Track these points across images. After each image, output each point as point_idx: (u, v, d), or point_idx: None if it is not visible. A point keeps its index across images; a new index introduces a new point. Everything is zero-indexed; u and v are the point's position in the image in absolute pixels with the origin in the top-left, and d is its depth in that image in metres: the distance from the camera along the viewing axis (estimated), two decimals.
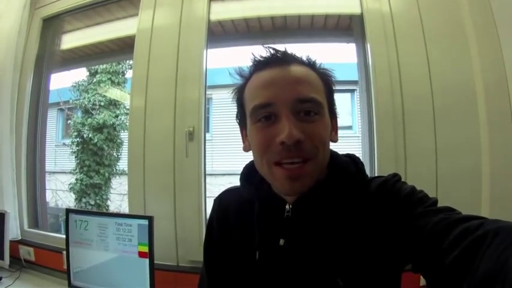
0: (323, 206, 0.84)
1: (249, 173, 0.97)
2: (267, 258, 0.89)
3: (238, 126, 0.97)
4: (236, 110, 0.95)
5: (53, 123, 8.99)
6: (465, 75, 1.83)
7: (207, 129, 2.24)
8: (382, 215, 0.79)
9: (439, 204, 0.76)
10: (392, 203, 0.79)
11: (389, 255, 0.78)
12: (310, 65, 0.87)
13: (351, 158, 0.93)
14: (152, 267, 1.75)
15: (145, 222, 1.76)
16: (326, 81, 0.88)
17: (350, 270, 0.80)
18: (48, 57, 2.85)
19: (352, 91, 7.63)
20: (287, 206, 0.88)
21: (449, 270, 0.60)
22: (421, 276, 1.62)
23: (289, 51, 0.87)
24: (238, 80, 0.92)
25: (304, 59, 0.87)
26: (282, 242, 0.87)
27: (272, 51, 0.85)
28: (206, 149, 2.17)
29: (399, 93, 1.89)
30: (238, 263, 0.95)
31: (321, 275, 0.81)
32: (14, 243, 2.46)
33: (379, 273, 0.81)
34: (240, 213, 0.99)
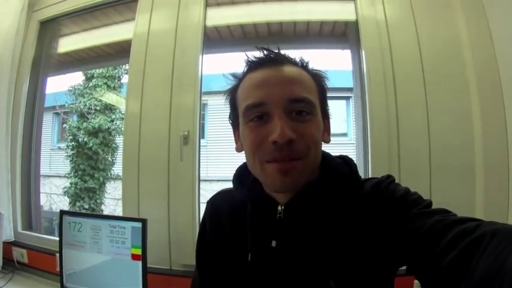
0: (315, 207, 0.84)
1: (241, 174, 0.98)
2: (259, 260, 0.88)
3: (229, 126, 0.97)
4: (230, 112, 0.95)
5: (49, 126, 8.98)
6: (460, 79, 1.86)
7: (202, 135, 2.25)
8: (376, 216, 0.79)
9: (433, 207, 0.76)
10: (386, 204, 0.79)
11: (383, 257, 0.78)
12: (303, 66, 0.88)
13: (344, 160, 0.93)
14: (145, 270, 1.74)
15: (138, 224, 1.76)
16: (319, 82, 0.88)
17: (342, 271, 0.80)
18: (45, 60, 2.85)
19: (347, 98, 7.66)
20: (279, 207, 0.88)
21: (446, 272, 0.60)
22: (415, 281, 1.65)
23: (282, 52, 0.87)
24: (232, 82, 0.92)
25: (297, 60, 0.88)
26: (274, 243, 0.87)
27: (265, 52, 0.85)
28: (201, 155, 2.17)
29: (394, 99, 1.90)
30: (230, 265, 0.95)
31: (313, 277, 0.81)
32: (7, 245, 2.45)
33: (372, 275, 0.80)
34: (232, 214, 0.99)
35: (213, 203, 1.09)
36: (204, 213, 1.10)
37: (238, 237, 0.94)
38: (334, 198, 0.85)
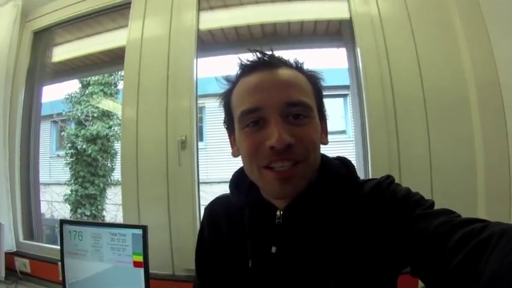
0: (315, 211, 0.83)
1: (238, 179, 0.96)
2: (260, 266, 0.87)
3: (225, 131, 0.95)
4: (224, 116, 0.93)
5: (47, 135, 8.98)
6: (456, 73, 1.85)
7: (200, 137, 2.25)
8: (377, 217, 0.77)
9: (436, 206, 0.75)
10: (388, 205, 0.77)
11: (385, 259, 0.76)
12: (298, 67, 0.86)
13: (342, 161, 0.91)
14: (147, 276, 1.74)
15: (139, 231, 1.75)
16: (315, 84, 0.87)
17: (344, 275, 0.78)
18: (40, 70, 2.86)
19: (344, 96, 7.68)
20: (278, 213, 0.87)
21: (454, 273, 0.59)
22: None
23: (276, 55, 0.86)
24: (225, 86, 0.90)
25: (292, 62, 0.86)
26: (274, 249, 0.85)
27: (259, 55, 0.84)
28: (200, 158, 2.18)
29: (391, 95, 1.90)
30: (231, 272, 0.94)
31: (315, 282, 0.80)
32: (10, 255, 2.45)
33: (374, 277, 0.79)
34: (230, 221, 0.97)
35: (210, 209, 1.07)
36: (202, 220, 1.08)
37: (237, 243, 0.93)
38: (333, 200, 0.83)
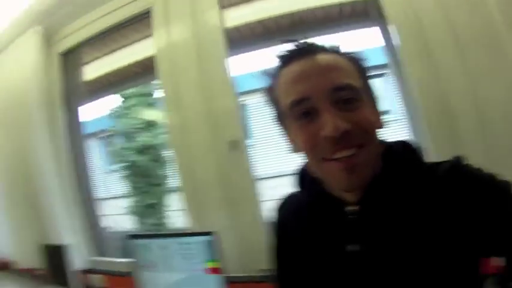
0: (392, 201, 0.78)
1: (302, 175, 0.93)
2: (339, 266, 0.83)
3: (278, 128, 0.91)
4: (273, 112, 0.88)
5: (97, 152, 9.24)
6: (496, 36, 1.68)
7: (248, 135, 2.25)
8: (462, 202, 0.72)
9: None
10: (472, 189, 0.72)
11: (473, 246, 0.72)
12: (336, 51, 0.81)
13: (405, 145, 0.86)
14: (224, 282, 1.74)
15: (207, 238, 1.75)
16: (357, 64, 0.82)
17: (433, 264, 0.73)
18: (74, 90, 2.92)
19: (382, 75, 7.52)
20: (349, 207, 0.82)
21: None
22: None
23: (311, 41, 0.81)
24: (267, 81, 0.86)
25: (329, 46, 0.81)
26: (353, 247, 0.80)
27: (295, 44, 0.81)
28: (251, 155, 2.16)
29: (434, 68, 1.77)
30: (311, 271, 0.90)
31: (407, 276, 0.75)
32: (83, 273, 2.56)
33: (461, 266, 0.74)
34: (301, 218, 0.94)
35: (280, 208, 1.05)
36: (273, 220, 1.06)
37: (310, 241, 0.90)
38: (407, 188, 0.78)
